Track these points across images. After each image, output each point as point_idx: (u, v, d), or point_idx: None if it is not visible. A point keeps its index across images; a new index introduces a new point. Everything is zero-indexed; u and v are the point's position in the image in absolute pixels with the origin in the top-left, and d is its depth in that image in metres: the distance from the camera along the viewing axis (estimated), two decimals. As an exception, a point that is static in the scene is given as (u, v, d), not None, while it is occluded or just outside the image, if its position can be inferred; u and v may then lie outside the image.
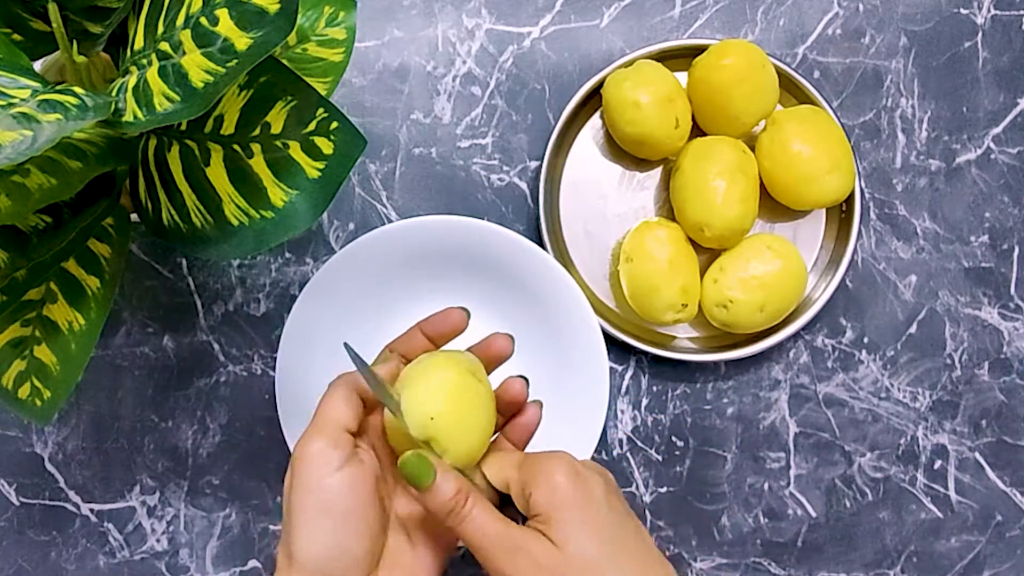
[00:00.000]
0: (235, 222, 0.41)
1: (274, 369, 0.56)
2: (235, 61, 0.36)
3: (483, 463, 0.43)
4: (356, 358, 0.42)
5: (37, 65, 0.48)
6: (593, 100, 0.60)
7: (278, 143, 0.40)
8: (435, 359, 0.43)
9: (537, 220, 0.59)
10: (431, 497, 0.39)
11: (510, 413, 0.46)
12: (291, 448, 0.55)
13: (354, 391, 0.42)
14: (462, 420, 0.41)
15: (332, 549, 0.39)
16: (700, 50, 0.58)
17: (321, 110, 0.40)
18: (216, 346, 0.59)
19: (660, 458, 0.59)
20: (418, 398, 0.41)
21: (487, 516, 0.39)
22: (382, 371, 0.44)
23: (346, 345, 0.42)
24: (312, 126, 0.40)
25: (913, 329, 0.60)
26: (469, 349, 0.46)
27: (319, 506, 0.39)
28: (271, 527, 0.59)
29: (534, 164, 0.61)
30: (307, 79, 0.40)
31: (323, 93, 0.43)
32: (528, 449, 0.55)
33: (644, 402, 0.60)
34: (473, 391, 0.42)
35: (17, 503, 0.59)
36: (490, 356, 0.46)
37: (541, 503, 0.39)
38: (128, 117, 0.38)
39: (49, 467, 0.59)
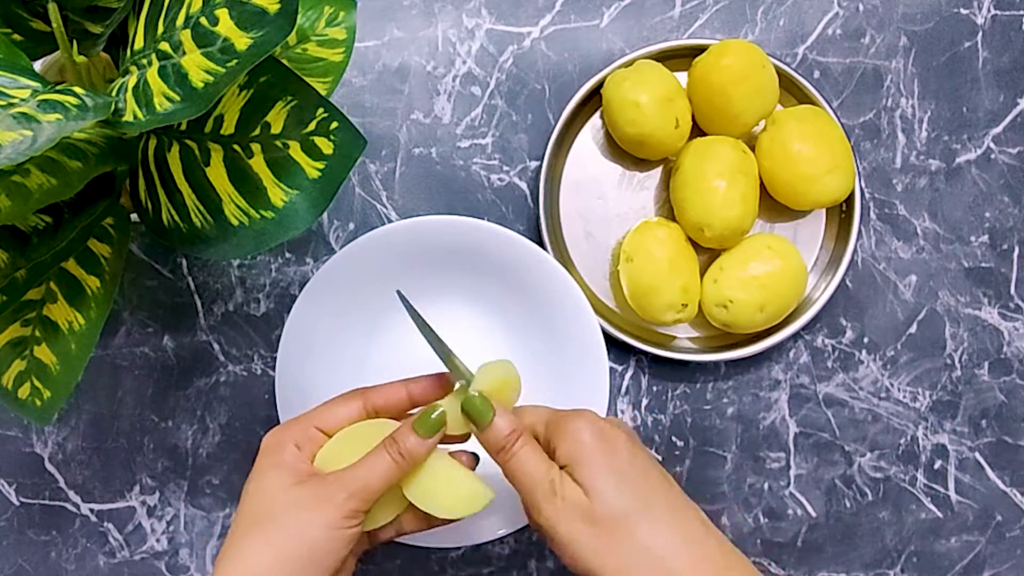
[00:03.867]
0: (235, 222, 0.41)
1: (274, 369, 0.56)
2: (235, 61, 0.36)
3: (517, 415, 0.45)
4: (415, 314, 0.46)
5: (37, 65, 0.48)
6: (593, 100, 0.60)
7: (278, 143, 0.40)
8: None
9: (537, 220, 0.59)
10: (489, 433, 0.43)
11: None
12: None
13: (404, 466, 0.43)
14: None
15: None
16: (700, 50, 0.58)
17: (321, 110, 0.40)
18: (216, 346, 0.59)
19: (660, 458, 0.59)
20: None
21: (534, 457, 0.42)
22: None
23: (400, 294, 0.46)
24: (312, 126, 0.40)
25: (913, 329, 0.60)
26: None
27: (306, 555, 0.40)
28: (271, 527, 0.59)
29: (534, 164, 0.61)
30: (307, 79, 0.40)
31: (323, 93, 0.43)
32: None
33: (644, 402, 0.60)
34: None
35: (17, 503, 0.59)
36: None
37: (566, 455, 0.41)
38: (128, 117, 0.38)
39: (49, 467, 0.59)
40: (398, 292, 0.47)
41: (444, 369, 0.46)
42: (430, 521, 0.46)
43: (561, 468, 0.41)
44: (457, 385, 0.46)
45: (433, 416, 0.43)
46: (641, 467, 0.42)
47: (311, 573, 0.40)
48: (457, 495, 0.44)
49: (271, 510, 0.41)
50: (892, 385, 0.60)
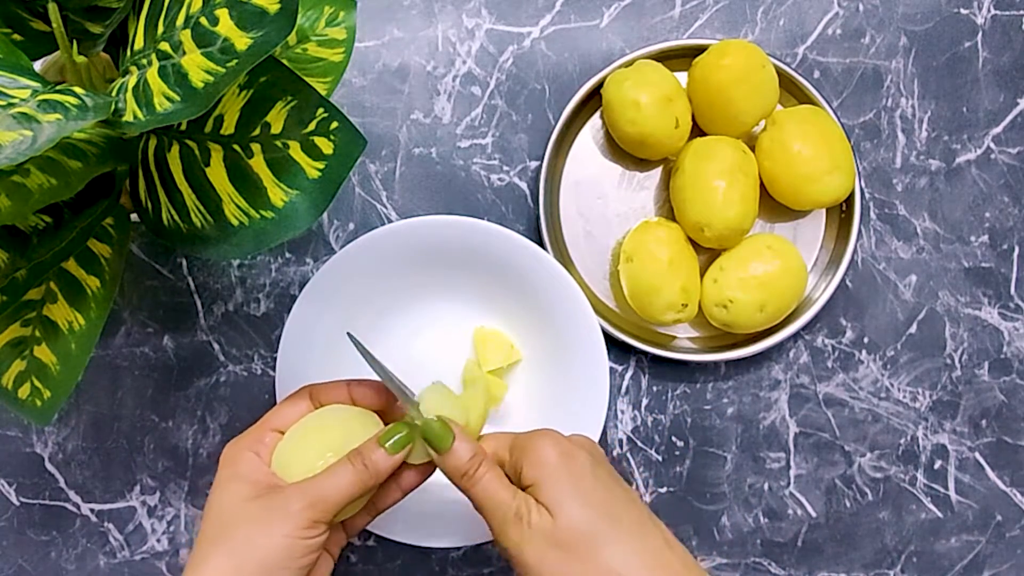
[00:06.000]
0: (235, 222, 0.41)
1: (274, 369, 0.56)
2: (235, 61, 0.36)
3: (480, 444, 0.45)
4: (363, 350, 0.45)
5: (37, 65, 0.48)
6: (593, 100, 0.60)
7: (278, 143, 0.40)
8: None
9: (537, 220, 0.59)
10: (449, 458, 0.42)
11: None
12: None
13: (366, 481, 0.42)
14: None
15: None
16: (700, 50, 0.58)
17: (321, 110, 0.40)
18: (216, 346, 0.59)
19: (660, 458, 0.59)
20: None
21: (496, 482, 0.42)
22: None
23: (350, 335, 0.45)
24: (312, 126, 0.40)
25: (913, 329, 0.60)
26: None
27: (265, 569, 0.39)
28: (271, 527, 0.59)
29: (534, 164, 0.61)
30: (307, 79, 0.40)
31: (323, 93, 0.43)
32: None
33: (644, 402, 0.60)
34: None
35: (17, 503, 0.59)
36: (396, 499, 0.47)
37: (530, 476, 0.41)
38: (128, 117, 0.38)
39: (49, 467, 0.59)
40: (348, 334, 0.46)
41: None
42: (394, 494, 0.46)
43: (526, 489, 0.41)
44: (408, 414, 0.45)
45: (401, 435, 0.43)
46: (604, 484, 0.42)
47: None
48: None
49: (229, 525, 0.40)
50: (892, 385, 0.60)
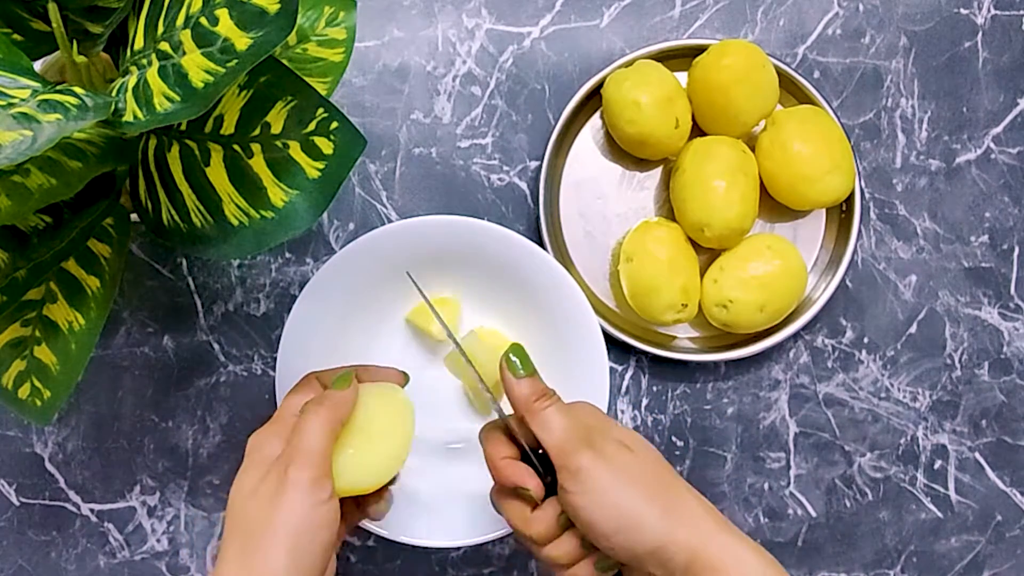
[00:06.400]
0: (235, 222, 0.41)
1: (274, 369, 0.56)
2: (235, 61, 0.36)
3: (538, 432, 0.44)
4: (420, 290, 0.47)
5: (37, 65, 0.48)
6: (593, 100, 0.60)
7: (278, 143, 0.40)
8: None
9: (537, 220, 0.59)
10: (524, 384, 0.43)
11: None
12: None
13: (333, 415, 0.43)
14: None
15: (297, 573, 0.39)
16: (700, 50, 0.58)
17: (321, 110, 0.40)
18: (216, 346, 0.59)
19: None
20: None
21: (557, 419, 0.42)
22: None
23: (409, 275, 0.48)
24: (312, 126, 0.40)
25: (913, 329, 0.60)
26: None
27: (298, 537, 0.39)
28: (271, 527, 0.59)
29: (534, 164, 0.61)
30: (307, 79, 0.40)
31: (323, 93, 0.43)
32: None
33: (644, 402, 0.60)
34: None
35: (17, 503, 0.59)
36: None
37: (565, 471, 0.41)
38: (128, 117, 0.38)
39: (49, 467, 0.59)
40: (408, 273, 0.49)
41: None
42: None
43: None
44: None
45: (344, 376, 0.44)
46: (651, 464, 0.42)
47: (319, 557, 0.40)
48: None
49: (248, 509, 0.40)
50: (892, 385, 0.60)
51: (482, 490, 0.55)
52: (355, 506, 0.47)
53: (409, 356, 0.58)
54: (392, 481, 0.46)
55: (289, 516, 0.39)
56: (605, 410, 0.54)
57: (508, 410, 0.44)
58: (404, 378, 0.49)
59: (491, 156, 0.61)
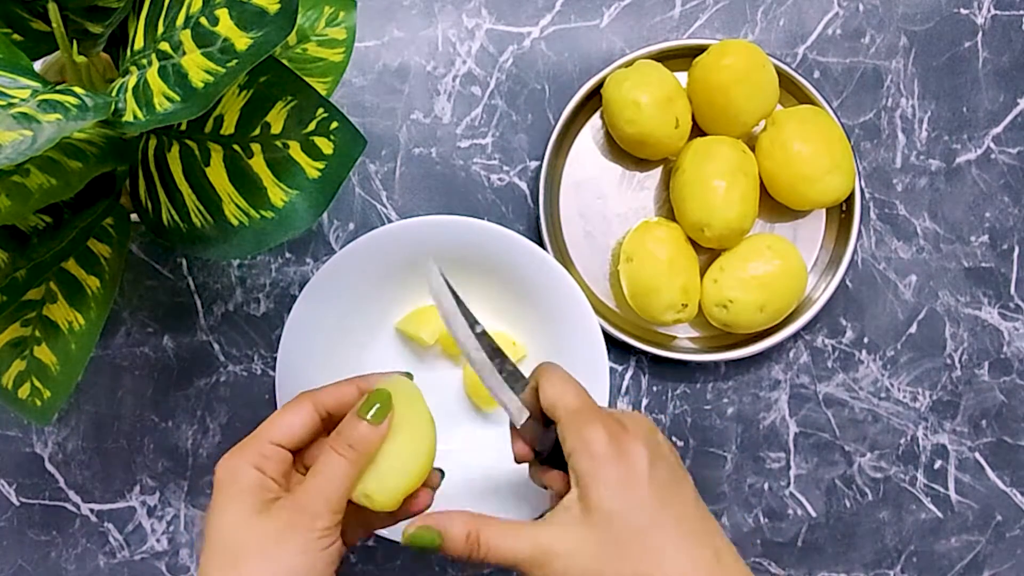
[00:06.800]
0: (235, 222, 0.41)
1: (274, 369, 0.56)
2: (235, 61, 0.36)
3: (541, 388, 0.42)
4: (446, 284, 0.43)
5: (37, 65, 0.48)
6: (593, 100, 0.60)
7: (278, 143, 0.40)
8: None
9: (537, 220, 0.59)
10: (447, 551, 0.39)
11: None
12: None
13: (361, 459, 0.40)
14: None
15: None
16: (700, 50, 0.58)
17: (321, 110, 0.40)
18: (216, 346, 0.59)
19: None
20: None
21: (505, 542, 0.39)
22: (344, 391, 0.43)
23: (436, 267, 0.43)
24: (312, 126, 0.40)
25: (913, 329, 0.60)
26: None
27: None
28: (271, 527, 0.59)
29: (534, 164, 0.61)
30: (307, 79, 0.40)
31: (323, 93, 0.43)
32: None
33: (644, 402, 0.60)
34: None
35: (17, 503, 0.59)
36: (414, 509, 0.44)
37: (576, 469, 0.39)
38: (128, 117, 0.38)
39: (49, 467, 0.59)
40: (433, 265, 0.44)
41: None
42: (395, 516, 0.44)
43: (573, 476, 0.39)
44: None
45: (380, 404, 0.40)
46: (658, 489, 0.39)
47: None
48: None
49: (240, 548, 0.38)
50: (892, 385, 0.60)
51: (481, 491, 0.55)
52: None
53: (408, 356, 0.58)
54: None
55: (293, 558, 0.37)
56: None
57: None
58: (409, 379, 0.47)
59: (491, 156, 0.61)
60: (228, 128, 0.41)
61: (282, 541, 0.37)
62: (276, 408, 0.54)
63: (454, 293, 0.44)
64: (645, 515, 0.38)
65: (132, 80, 0.39)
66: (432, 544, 0.39)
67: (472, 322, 0.44)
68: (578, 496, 0.39)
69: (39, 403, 0.45)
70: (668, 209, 0.59)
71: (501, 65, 0.62)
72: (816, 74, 0.62)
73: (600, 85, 0.59)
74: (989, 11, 0.63)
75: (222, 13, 0.36)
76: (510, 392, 0.43)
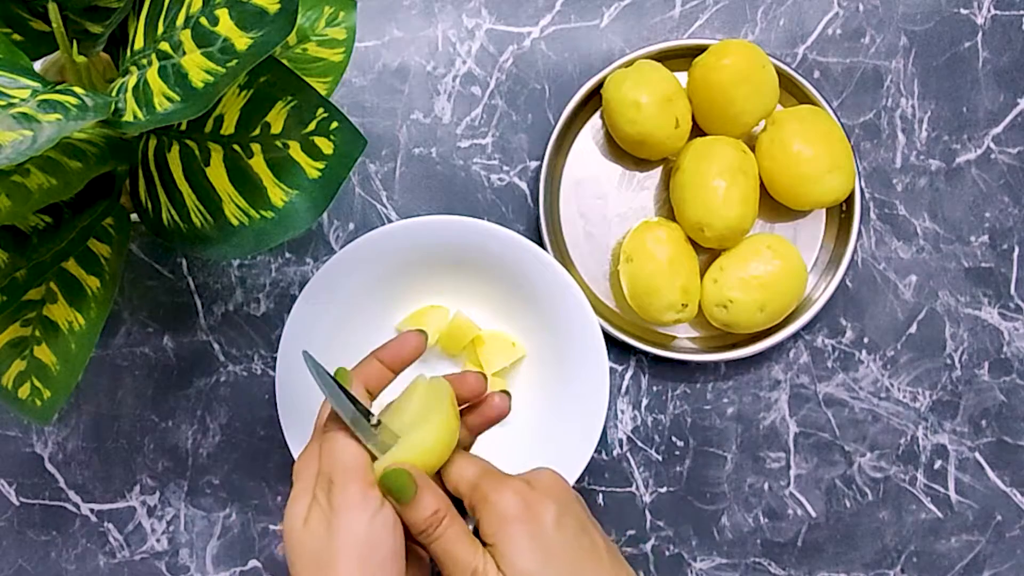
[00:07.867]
0: (235, 222, 0.41)
1: (274, 369, 0.56)
2: (235, 61, 0.36)
3: (443, 470, 0.43)
4: (317, 368, 0.41)
5: (37, 65, 0.48)
6: (593, 100, 0.60)
7: (278, 143, 0.40)
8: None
9: (537, 220, 0.59)
10: (410, 511, 0.39)
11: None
12: (292, 450, 0.55)
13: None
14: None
15: None
16: (700, 50, 0.58)
17: (321, 110, 0.40)
18: (216, 346, 0.59)
19: (660, 458, 0.59)
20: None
21: (456, 540, 0.39)
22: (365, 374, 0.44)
23: (305, 354, 0.42)
24: (312, 126, 0.40)
25: (913, 329, 0.60)
26: (467, 409, 0.46)
27: (367, 553, 0.38)
28: (271, 527, 0.59)
29: (534, 164, 0.61)
30: (307, 79, 0.40)
31: (323, 93, 0.43)
32: (527, 450, 0.55)
33: (644, 402, 0.60)
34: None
35: (17, 503, 0.59)
36: (489, 419, 0.45)
37: (489, 533, 0.39)
38: (128, 117, 0.38)
39: (49, 467, 0.59)
40: (304, 352, 0.43)
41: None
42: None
43: (486, 545, 0.39)
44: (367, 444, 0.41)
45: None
46: (568, 540, 0.39)
47: (391, 565, 0.38)
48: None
49: (321, 543, 0.39)
50: (892, 385, 0.60)
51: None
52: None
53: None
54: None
55: (348, 538, 0.38)
56: (605, 410, 0.54)
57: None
58: (423, 337, 0.46)
59: (491, 156, 0.61)
60: (228, 128, 0.41)
61: (332, 523, 0.38)
62: (276, 408, 0.54)
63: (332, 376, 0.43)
64: (560, 570, 0.39)
65: (132, 80, 0.39)
66: (403, 492, 0.39)
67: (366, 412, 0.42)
68: (495, 563, 0.39)
69: (39, 403, 0.45)
70: (668, 209, 0.59)
71: (501, 65, 0.62)
72: (816, 74, 0.62)
73: (600, 85, 0.59)
74: (989, 11, 0.63)
75: (222, 13, 0.36)
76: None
